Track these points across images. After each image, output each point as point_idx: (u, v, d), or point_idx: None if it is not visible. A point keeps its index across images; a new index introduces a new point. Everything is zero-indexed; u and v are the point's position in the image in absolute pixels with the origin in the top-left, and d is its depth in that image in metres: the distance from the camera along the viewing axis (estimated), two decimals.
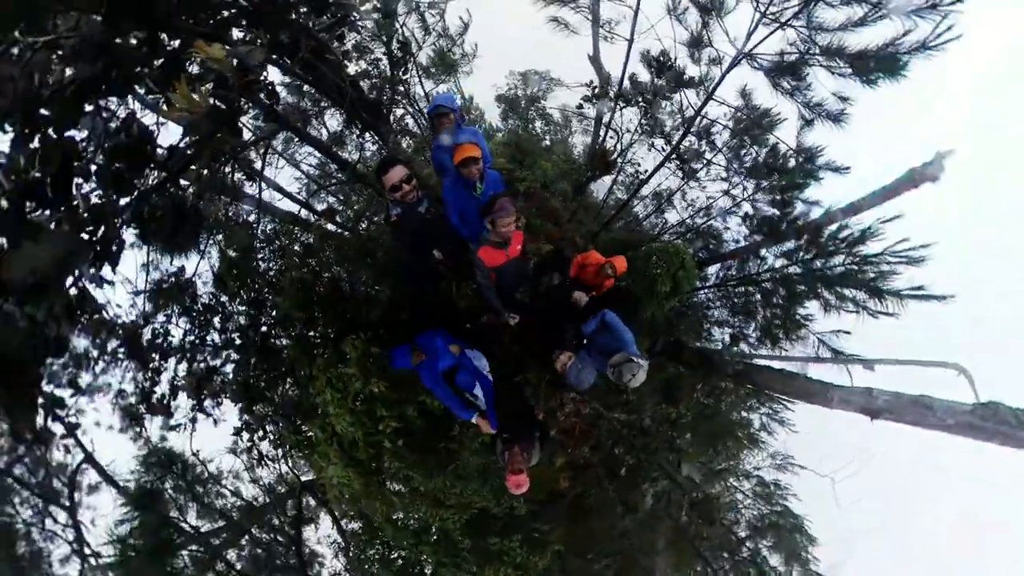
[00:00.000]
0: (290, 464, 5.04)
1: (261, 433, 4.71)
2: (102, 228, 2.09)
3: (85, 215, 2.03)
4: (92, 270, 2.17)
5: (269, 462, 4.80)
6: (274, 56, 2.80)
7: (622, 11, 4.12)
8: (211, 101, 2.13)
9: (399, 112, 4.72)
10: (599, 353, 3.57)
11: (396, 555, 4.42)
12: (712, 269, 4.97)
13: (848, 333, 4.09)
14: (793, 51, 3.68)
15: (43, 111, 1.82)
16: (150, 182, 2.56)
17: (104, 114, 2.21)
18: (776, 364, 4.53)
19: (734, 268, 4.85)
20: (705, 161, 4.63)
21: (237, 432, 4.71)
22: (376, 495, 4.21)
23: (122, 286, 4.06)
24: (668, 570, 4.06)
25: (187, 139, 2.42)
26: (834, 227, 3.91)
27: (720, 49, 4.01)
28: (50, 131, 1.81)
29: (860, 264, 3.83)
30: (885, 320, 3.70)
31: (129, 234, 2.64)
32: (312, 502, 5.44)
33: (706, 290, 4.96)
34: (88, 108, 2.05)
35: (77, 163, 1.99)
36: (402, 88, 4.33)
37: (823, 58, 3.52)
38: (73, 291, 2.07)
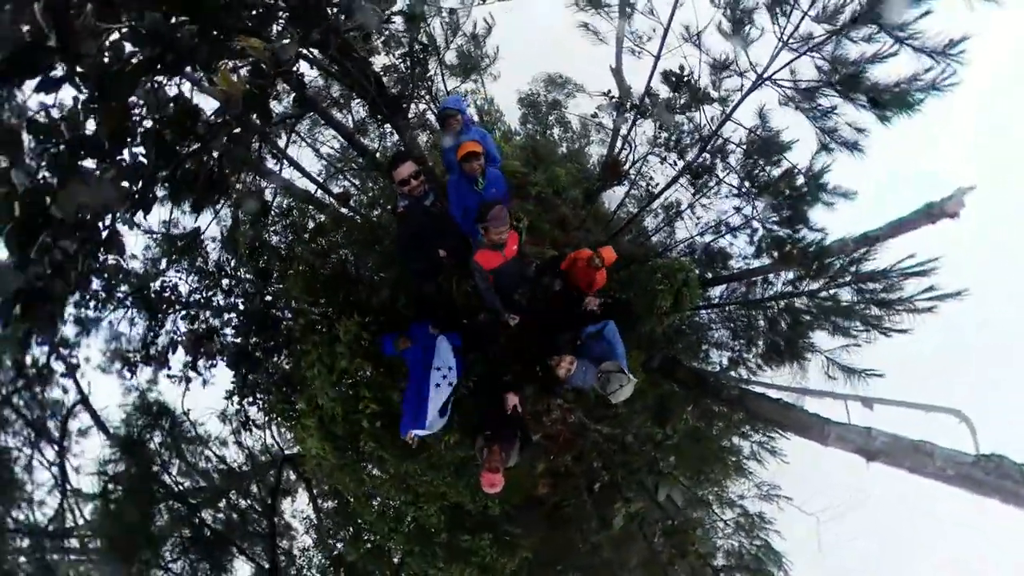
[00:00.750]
0: (275, 435, 5.12)
1: (251, 399, 4.80)
2: (141, 182, 2.36)
3: (131, 170, 2.31)
4: (128, 214, 2.43)
5: (255, 428, 4.87)
6: (305, 51, 3.03)
7: (652, 24, 4.20)
8: (247, 86, 2.40)
9: (421, 107, 4.87)
10: (590, 359, 3.56)
11: (366, 538, 4.40)
12: (717, 291, 4.90)
13: (858, 346, 3.94)
14: (813, 79, 3.69)
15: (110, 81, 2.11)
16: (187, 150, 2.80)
17: (157, 89, 2.48)
18: (773, 393, 4.39)
19: (739, 292, 4.77)
20: (717, 179, 4.61)
21: (229, 395, 4.82)
22: (349, 471, 4.25)
23: (145, 239, 4.26)
24: None
25: (223, 116, 2.60)
26: (846, 259, 3.81)
27: (743, 71, 4.04)
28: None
29: (867, 281, 3.71)
30: (889, 359, 3.55)
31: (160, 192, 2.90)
32: (292, 476, 5.48)
33: (708, 310, 4.88)
34: (145, 83, 2.33)
35: (130, 125, 2.27)
36: (425, 85, 4.47)
37: (842, 88, 3.51)
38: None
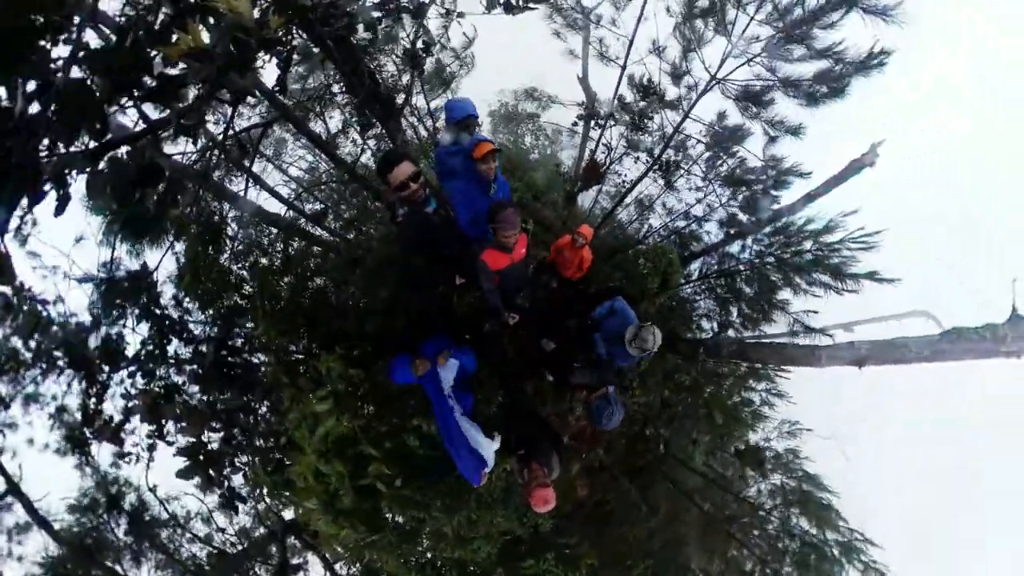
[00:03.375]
0: (266, 501, 4.17)
1: (230, 468, 3.86)
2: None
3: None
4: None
5: (241, 503, 3.91)
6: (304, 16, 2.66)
7: (614, 35, 4.73)
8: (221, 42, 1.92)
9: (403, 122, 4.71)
10: (611, 336, 3.71)
11: None
12: (694, 266, 5.48)
13: (816, 312, 4.66)
14: (757, 81, 4.52)
15: None
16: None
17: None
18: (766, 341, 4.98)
19: (714, 262, 5.39)
20: (683, 171, 5.27)
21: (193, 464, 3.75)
22: (382, 547, 3.64)
23: (80, 287, 3.25)
24: (704, 559, 4.00)
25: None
26: (800, 220, 4.59)
27: (697, 76, 4.78)
28: None
29: (824, 251, 4.48)
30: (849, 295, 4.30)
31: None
32: (297, 544, 4.47)
33: (691, 284, 5.41)
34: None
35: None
36: (412, 93, 4.38)
37: (782, 88, 4.36)
38: None
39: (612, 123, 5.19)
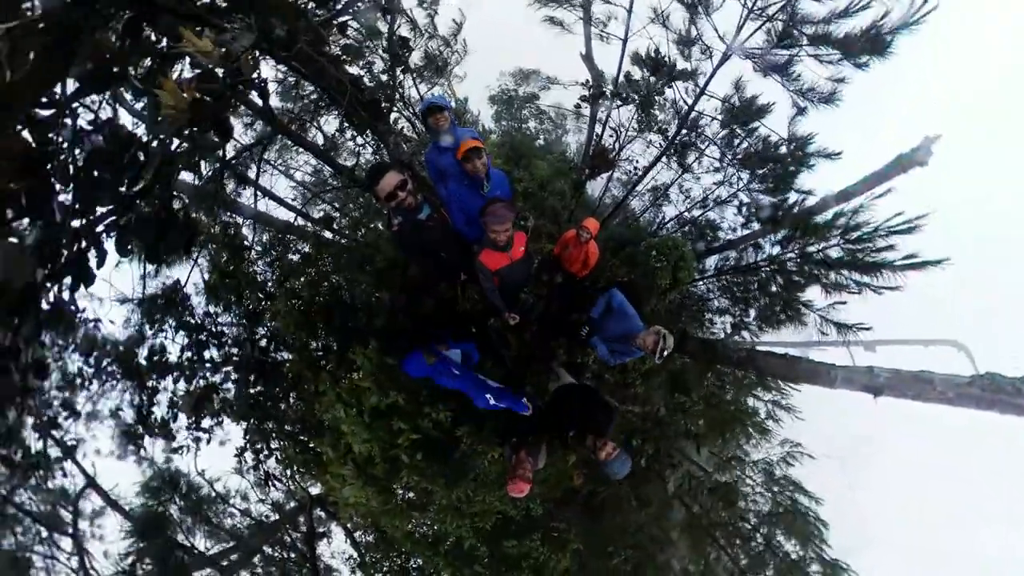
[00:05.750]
0: (298, 480, 4.91)
1: (266, 452, 4.58)
2: (77, 243, 1.94)
3: (62, 226, 1.88)
4: (67, 289, 1.99)
5: (276, 481, 4.66)
6: (268, 46, 2.66)
7: (615, 11, 4.16)
8: (197, 96, 1.95)
9: (394, 117, 4.66)
10: (613, 339, 3.60)
11: (412, 564, 4.34)
12: (710, 261, 5.06)
13: (844, 303, 4.14)
14: (782, 43, 3.79)
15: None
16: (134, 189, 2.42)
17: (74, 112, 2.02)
18: (779, 350, 4.61)
19: (732, 259, 4.94)
20: (698, 153, 4.72)
21: (240, 452, 4.56)
22: (395, 511, 4.08)
23: (118, 304, 3.90)
24: (685, 558, 4.10)
25: (170, 139, 2.17)
26: (829, 215, 4.00)
27: (710, 45, 4.11)
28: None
29: (855, 244, 3.90)
30: (885, 299, 3.77)
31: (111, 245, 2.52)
32: (323, 515, 5.31)
33: (705, 281, 5.04)
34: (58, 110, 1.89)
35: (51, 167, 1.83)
36: (399, 91, 4.27)
37: (811, 47, 3.63)
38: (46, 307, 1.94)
39: (619, 103, 4.70)
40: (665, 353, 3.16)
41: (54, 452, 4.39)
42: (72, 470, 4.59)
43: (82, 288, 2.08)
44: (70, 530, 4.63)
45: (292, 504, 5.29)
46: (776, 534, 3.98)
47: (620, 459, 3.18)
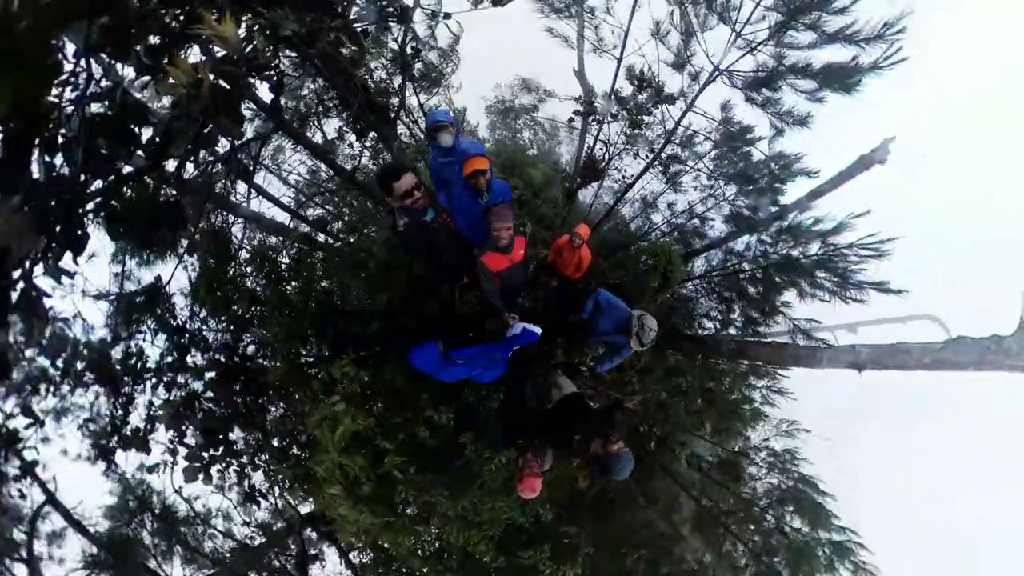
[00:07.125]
0: (287, 497, 4.52)
1: (251, 465, 4.19)
2: (63, 210, 1.75)
3: (46, 191, 1.70)
4: (50, 260, 1.79)
5: (262, 498, 4.26)
6: (297, 40, 2.65)
7: (612, 26, 4.50)
8: (212, 78, 1.91)
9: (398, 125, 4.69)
10: (607, 333, 3.73)
11: None
12: (697, 262, 5.38)
13: (819, 322, 4.48)
14: (763, 70, 4.24)
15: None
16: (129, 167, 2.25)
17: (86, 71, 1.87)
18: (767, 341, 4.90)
19: (717, 260, 5.28)
20: (686, 168, 5.09)
21: (206, 464, 4.06)
22: (397, 527, 3.93)
23: (94, 302, 3.50)
24: (699, 551, 4.15)
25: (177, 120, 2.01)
26: (808, 219, 4.41)
27: (700, 66, 4.52)
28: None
29: (832, 253, 4.30)
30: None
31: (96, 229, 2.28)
32: (315, 536, 4.87)
33: (693, 282, 5.34)
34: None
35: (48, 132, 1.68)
36: (401, 98, 4.34)
37: (791, 76, 4.09)
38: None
39: (609, 120, 5.02)
40: (652, 333, 3.32)
41: (12, 470, 3.77)
42: (29, 483, 3.93)
43: (54, 282, 1.86)
44: (24, 554, 3.92)
45: (280, 524, 4.82)
46: (785, 514, 4.13)
47: (626, 456, 3.26)
